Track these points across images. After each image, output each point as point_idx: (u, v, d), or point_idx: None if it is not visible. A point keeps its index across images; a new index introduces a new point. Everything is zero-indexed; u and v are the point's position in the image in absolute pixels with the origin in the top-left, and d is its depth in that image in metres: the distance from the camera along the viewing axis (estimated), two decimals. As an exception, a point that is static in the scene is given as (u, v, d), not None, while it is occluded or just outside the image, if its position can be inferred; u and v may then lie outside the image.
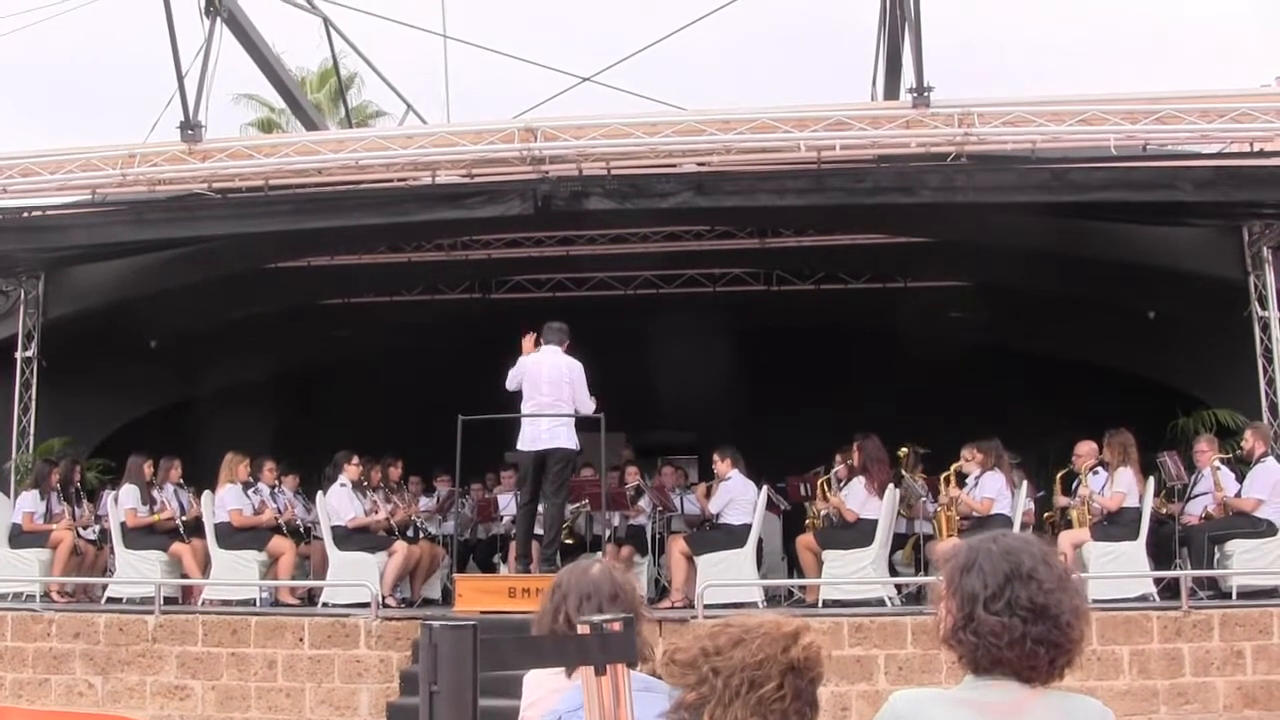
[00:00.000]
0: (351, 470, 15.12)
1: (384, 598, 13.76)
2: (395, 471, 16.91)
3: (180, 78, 14.39)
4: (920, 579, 14.27)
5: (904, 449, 15.90)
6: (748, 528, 14.17)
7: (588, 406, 13.82)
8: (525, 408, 13.77)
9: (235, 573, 14.59)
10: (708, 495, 15.22)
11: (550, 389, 13.67)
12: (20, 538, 15.18)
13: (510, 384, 13.82)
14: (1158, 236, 15.90)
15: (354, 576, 14.06)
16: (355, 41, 20.56)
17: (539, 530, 14.22)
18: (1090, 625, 3.16)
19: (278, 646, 12.80)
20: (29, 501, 15.36)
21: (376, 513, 15.26)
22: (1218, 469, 13.98)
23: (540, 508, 14.04)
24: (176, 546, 14.91)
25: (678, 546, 14.45)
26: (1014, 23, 63.21)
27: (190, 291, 17.54)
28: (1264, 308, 15.44)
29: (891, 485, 14.22)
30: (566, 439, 13.68)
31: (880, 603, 13.38)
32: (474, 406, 13.78)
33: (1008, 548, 3.27)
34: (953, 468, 14.54)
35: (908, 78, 13.96)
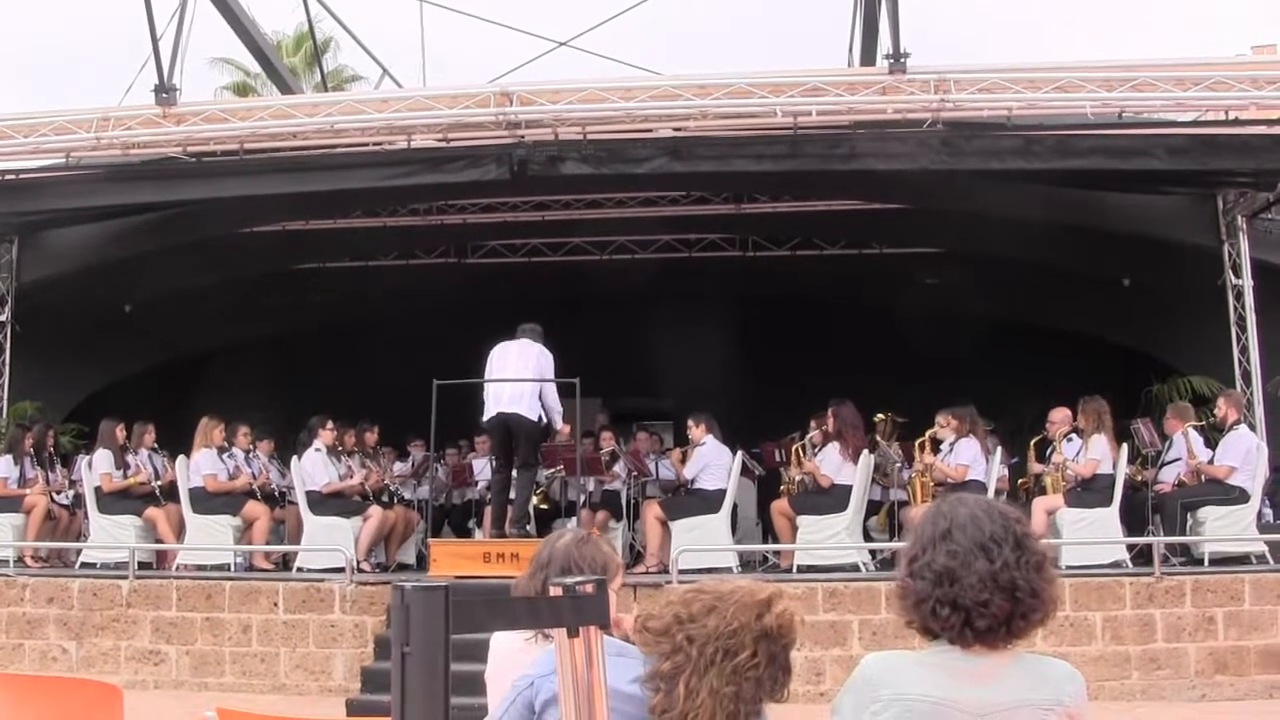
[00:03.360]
0: (326, 435, 15.12)
1: (358, 562, 13.77)
2: (371, 437, 16.92)
3: (155, 40, 14.30)
4: (894, 544, 14.30)
5: (880, 416, 15.94)
6: (722, 493, 14.20)
7: (554, 406, 13.84)
8: (491, 385, 13.75)
9: (210, 537, 14.56)
10: (683, 461, 15.23)
11: (517, 362, 13.66)
12: (-6, 503, 15.14)
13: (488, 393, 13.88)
14: (1133, 204, 15.94)
15: (329, 541, 14.05)
16: (331, 5, 20.48)
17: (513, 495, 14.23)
18: (1038, 594, 3.14)
19: (252, 611, 12.81)
20: (2, 466, 15.30)
21: (351, 478, 15.26)
22: (1189, 435, 14.04)
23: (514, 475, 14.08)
24: (151, 511, 14.88)
25: (652, 512, 14.49)
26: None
27: (165, 256, 17.47)
28: (1238, 276, 15.52)
29: (866, 451, 14.26)
30: (529, 409, 13.64)
31: (854, 568, 13.42)
32: (449, 371, 13.77)
33: (942, 512, 3.28)
34: (927, 434, 14.58)
35: (884, 44, 13.96)
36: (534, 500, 15.41)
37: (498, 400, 13.63)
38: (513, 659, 4.24)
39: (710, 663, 3.23)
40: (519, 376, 13.62)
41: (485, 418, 13.82)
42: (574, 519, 15.07)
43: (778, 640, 3.28)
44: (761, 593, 3.33)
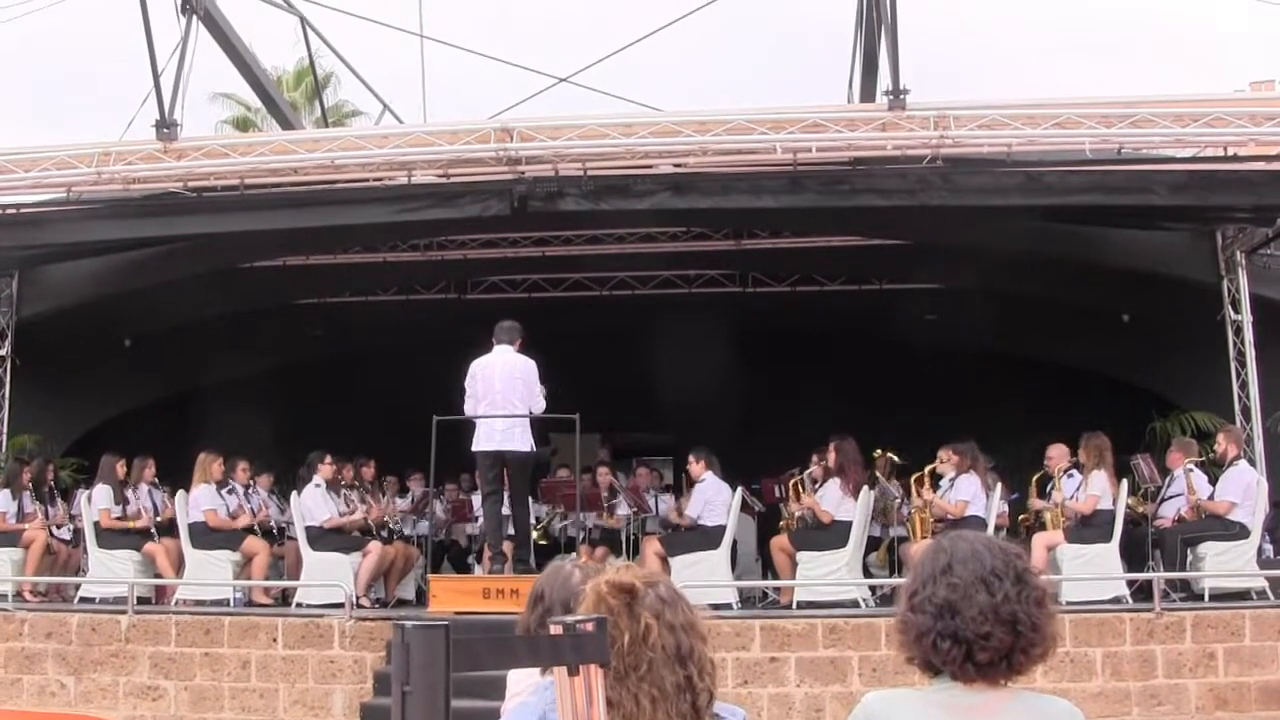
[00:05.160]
0: (325, 470, 15.09)
1: (358, 598, 13.73)
2: (368, 471, 16.90)
3: (156, 76, 14.35)
4: (894, 580, 14.27)
5: (878, 452, 15.93)
6: (722, 529, 14.18)
7: (539, 405, 13.83)
8: (480, 407, 13.75)
9: (209, 572, 14.53)
10: (678, 504, 15.27)
11: (504, 386, 13.65)
12: (-8, 537, 15.11)
13: (468, 405, 13.84)
14: (1133, 240, 15.98)
15: (328, 577, 14.01)
16: (332, 40, 20.53)
17: (510, 530, 14.22)
18: (1038, 628, 3.13)
19: (251, 647, 12.77)
20: (0, 501, 15.29)
21: (353, 513, 15.24)
22: (1190, 471, 14.05)
23: (506, 510, 14.08)
24: (150, 546, 14.86)
25: (652, 548, 14.46)
26: (993, 25, 63.39)
27: (165, 291, 17.50)
28: (1237, 311, 15.56)
29: (866, 487, 14.26)
30: (521, 440, 13.65)
31: (854, 604, 13.37)
32: (449, 407, 13.77)
33: (942, 547, 3.28)
34: (926, 470, 14.56)
35: (884, 80, 14.00)
36: (533, 535, 15.40)
37: (490, 435, 13.65)
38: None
39: (641, 678, 2.95)
40: (508, 398, 13.63)
41: (477, 448, 13.83)
42: (573, 554, 15.04)
43: (644, 593, 3.01)
44: (593, 590, 3.03)
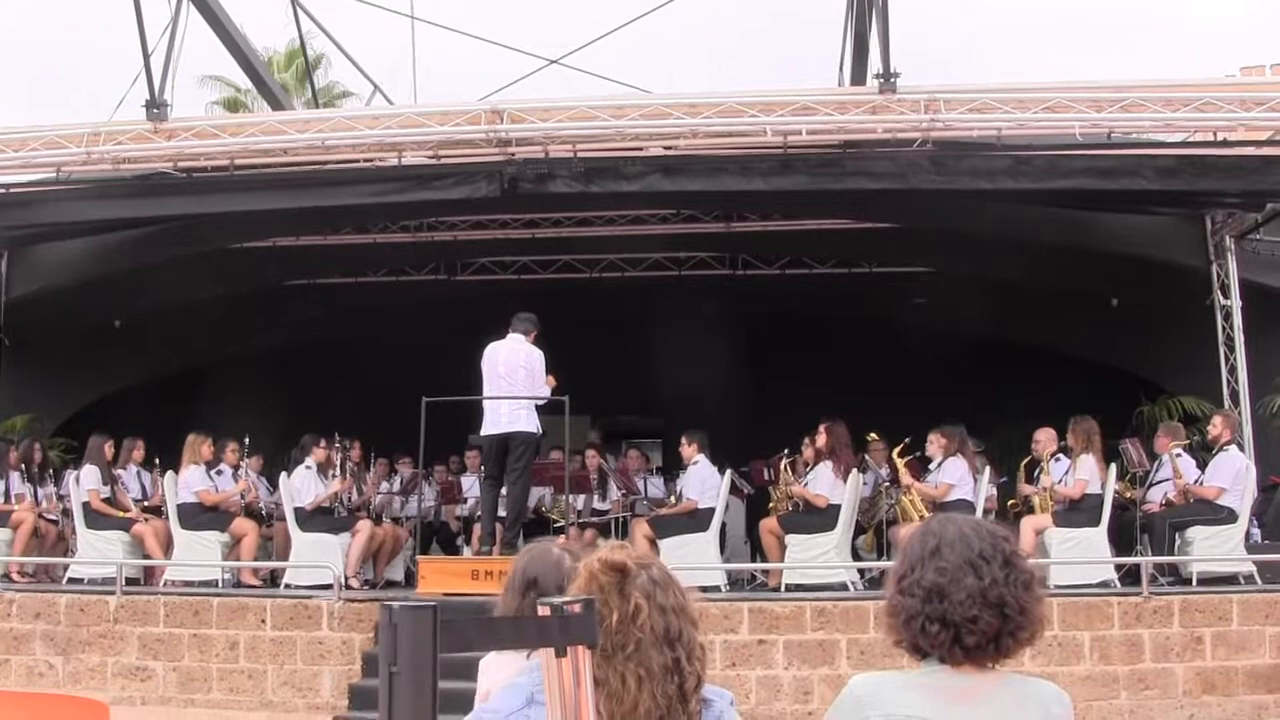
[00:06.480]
0: (319, 453, 15.07)
1: (347, 579, 13.74)
2: (354, 453, 16.87)
3: (146, 55, 14.28)
4: (882, 564, 14.28)
5: (873, 436, 15.89)
6: (711, 511, 14.19)
7: (544, 393, 13.89)
8: (484, 392, 13.83)
9: (197, 554, 14.51)
10: (669, 488, 15.30)
11: (506, 372, 13.75)
12: (-21, 518, 15.08)
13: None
14: (1122, 225, 15.98)
15: (317, 558, 14.01)
16: (323, 21, 20.45)
17: (503, 512, 14.23)
18: (1026, 612, 3.13)
19: (240, 628, 12.77)
20: (-13, 482, 15.28)
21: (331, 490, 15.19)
22: (1178, 456, 14.05)
23: (503, 490, 14.08)
24: (138, 527, 14.82)
25: (641, 530, 14.46)
26: (991, 16, 63.27)
27: (155, 272, 17.46)
28: (1226, 296, 15.60)
29: (856, 470, 14.27)
30: (527, 422, 13.73)
31: (843, 587, 13.38)
32: (438, 388, 13.76)
33: (930, 530, 3.28)
34: (896, 451, 14.56)
35: (874, 64, 13.98)
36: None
37: (495, 420, 13.71)
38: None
39: (628, 658, 2.97)
40: (511, 384, 13.72)
41: (483, 433, 13.90)
42: (561, 535, 15.03)
43: (636, 574, 3.04)
44: (585, 568, 3.07)
